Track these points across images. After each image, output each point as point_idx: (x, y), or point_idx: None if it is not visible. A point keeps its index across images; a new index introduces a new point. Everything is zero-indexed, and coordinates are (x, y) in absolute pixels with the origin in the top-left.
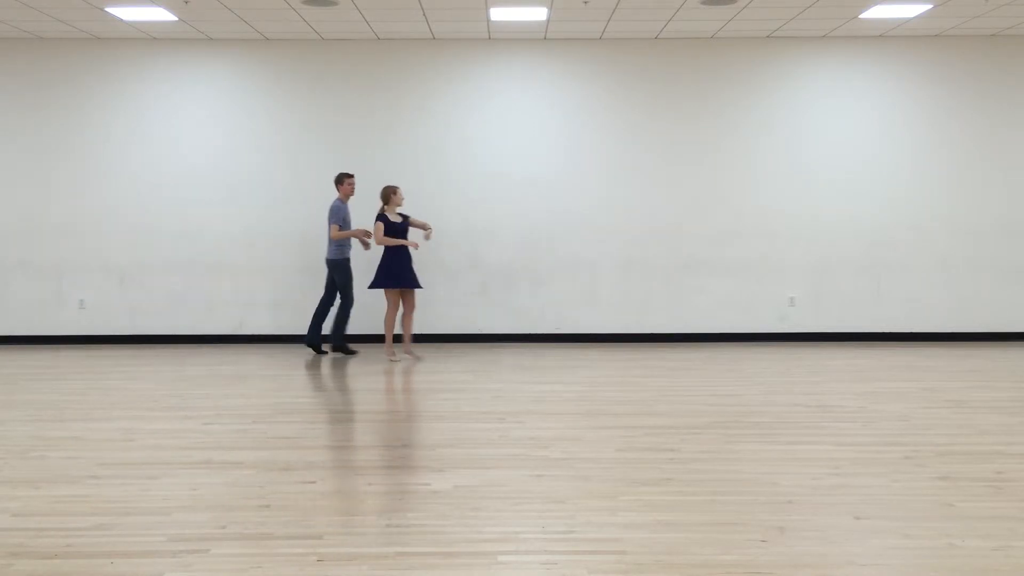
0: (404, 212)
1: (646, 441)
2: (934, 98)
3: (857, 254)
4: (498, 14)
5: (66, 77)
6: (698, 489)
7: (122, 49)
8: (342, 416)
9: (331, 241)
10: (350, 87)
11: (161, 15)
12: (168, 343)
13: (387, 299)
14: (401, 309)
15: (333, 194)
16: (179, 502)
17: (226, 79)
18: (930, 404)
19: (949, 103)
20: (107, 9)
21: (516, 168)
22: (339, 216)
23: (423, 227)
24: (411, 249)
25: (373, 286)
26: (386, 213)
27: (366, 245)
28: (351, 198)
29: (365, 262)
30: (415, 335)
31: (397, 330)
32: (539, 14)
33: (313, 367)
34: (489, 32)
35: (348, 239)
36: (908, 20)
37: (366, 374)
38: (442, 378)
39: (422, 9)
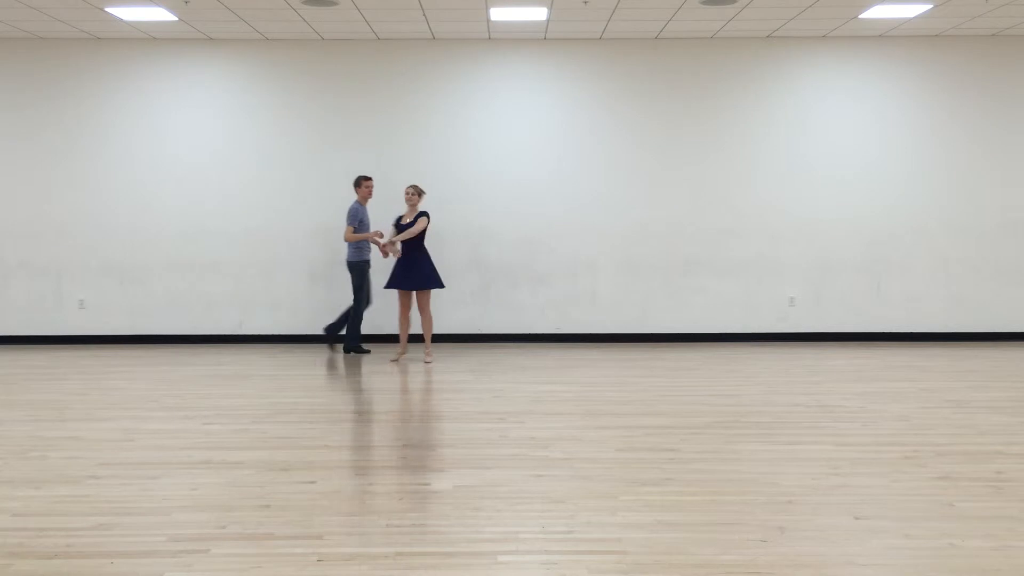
0: (420, 212)
1: (646, 441)
2: (934, 98)
3: (857, 254)
4: (498, 14)
5: (66, 77)
6: (698, 489)
7: (122, 49)
8: (342, 416)
9: (349, 243)
10: (350, 87)
11: (161, 15)
12: (168, 343)
13: (398, 299)
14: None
15: (334, 194)
16: (179, 502)
17: (226, 79)
18: (930, 404)
19: (949, 103)
20: (107, 9)
21: (516, 168)
22: (356, 218)
23: (396, 240)
24: (427, 252)
25: (386, 286)
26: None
27: (384, 253)
28: (369, 200)
29: (386, 264)
30: (411, 335)
31: (414, 330)
32: (539, 14)
33: (324, 367)
34: (489, 32)
35: (367, 241)
36: (908, 20)
37: (367, 374)
38: (442, 378)
39: (422, 9)
